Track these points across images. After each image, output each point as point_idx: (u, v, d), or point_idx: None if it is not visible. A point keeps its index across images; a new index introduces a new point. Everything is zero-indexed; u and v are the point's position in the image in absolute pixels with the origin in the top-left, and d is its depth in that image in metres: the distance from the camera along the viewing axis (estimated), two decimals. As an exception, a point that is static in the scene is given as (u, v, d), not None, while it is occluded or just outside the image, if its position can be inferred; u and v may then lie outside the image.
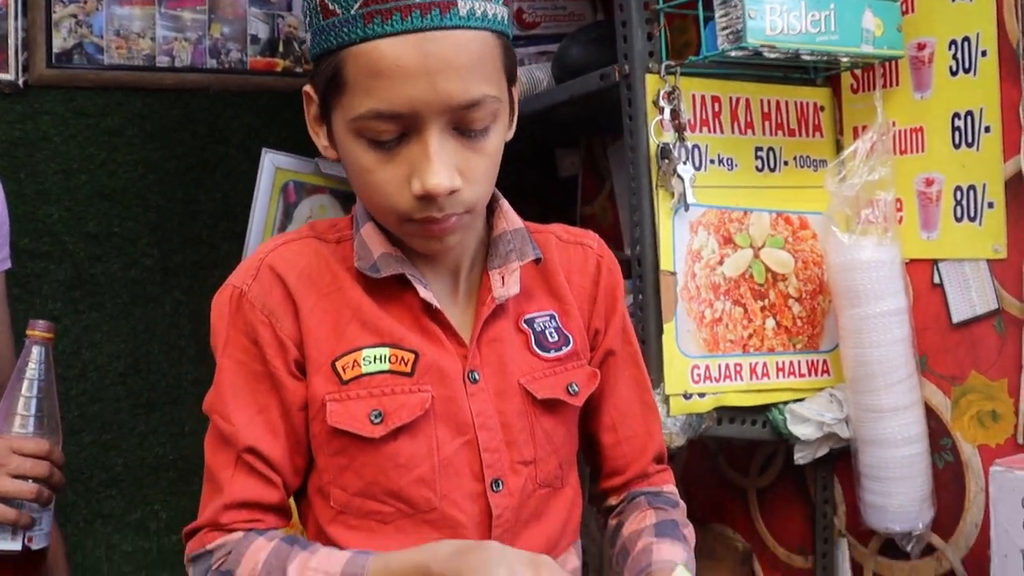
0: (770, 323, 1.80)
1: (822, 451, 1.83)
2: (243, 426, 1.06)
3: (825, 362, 1.86)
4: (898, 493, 1.69)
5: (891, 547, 1.86)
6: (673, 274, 1.68)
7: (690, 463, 2.30)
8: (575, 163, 2.62)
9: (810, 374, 1.84)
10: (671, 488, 1.28)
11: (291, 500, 1.12)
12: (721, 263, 1.74)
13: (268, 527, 1.07)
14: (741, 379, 1.77)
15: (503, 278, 1.13)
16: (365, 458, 1.07)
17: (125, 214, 2.46)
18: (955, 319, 1.72)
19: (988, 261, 1.64)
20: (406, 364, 1.07)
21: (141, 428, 2.51)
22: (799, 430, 1.76)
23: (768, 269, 1.80)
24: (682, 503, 1.26)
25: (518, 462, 1.11)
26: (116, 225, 2.45)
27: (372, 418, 1.05)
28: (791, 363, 1.82)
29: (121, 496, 2.50)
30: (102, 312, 2.44)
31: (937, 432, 1.75)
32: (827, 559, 1.96)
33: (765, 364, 1.79)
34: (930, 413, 1.75)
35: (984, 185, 1.62)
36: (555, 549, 1.14)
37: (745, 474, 2.16)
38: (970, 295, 1.68)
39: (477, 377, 1.11)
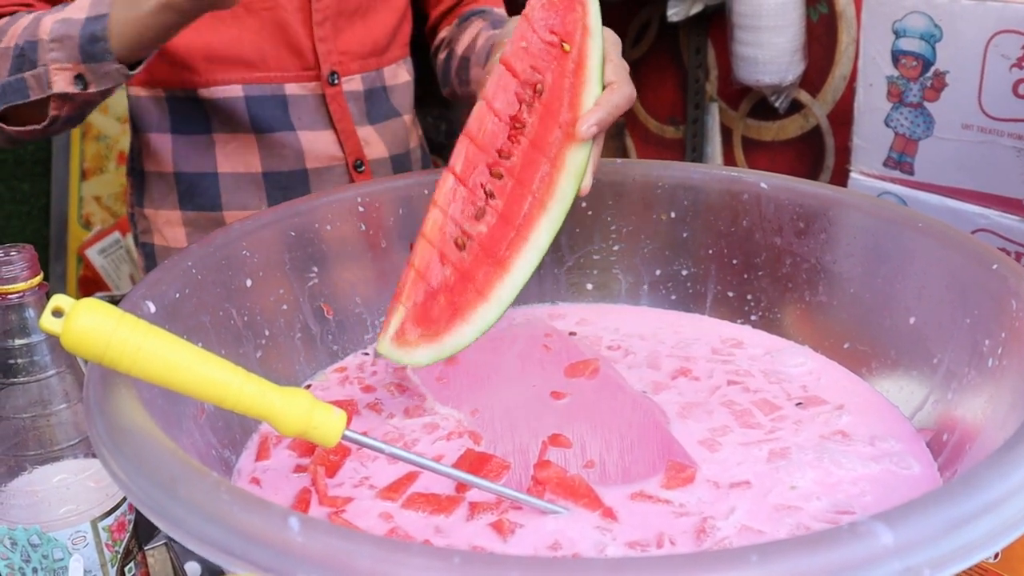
0: None
1: (696, 8, 1.77)
2: None
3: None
4: (770, 44, 1.65)
5: (760, 109, 1.87)
6: None
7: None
8: None
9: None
10: (500, 11, 1.17)
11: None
12: None
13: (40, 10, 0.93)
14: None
15: None
16: None
17: None
18: None
19: None
20: None
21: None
22: (673, -19, 1.68)
23: None
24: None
25: None
26: None
27: None
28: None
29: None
30: None
31: (814, -17, 1.69)
32: (698, 126, 1.96)
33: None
34: (809, -37, 1.68)
35: None
36: (383, 56, 1.09)
37: (619, 47, 2.09)
38: None
39: None
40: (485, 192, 0.72)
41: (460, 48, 1.07)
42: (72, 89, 0.84)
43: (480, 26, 1.07)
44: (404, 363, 0.69)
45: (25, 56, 0.84)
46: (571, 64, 0.73)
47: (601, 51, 0.73)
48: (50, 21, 0.84)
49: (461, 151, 0.72)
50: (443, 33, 1.17)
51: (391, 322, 0.69)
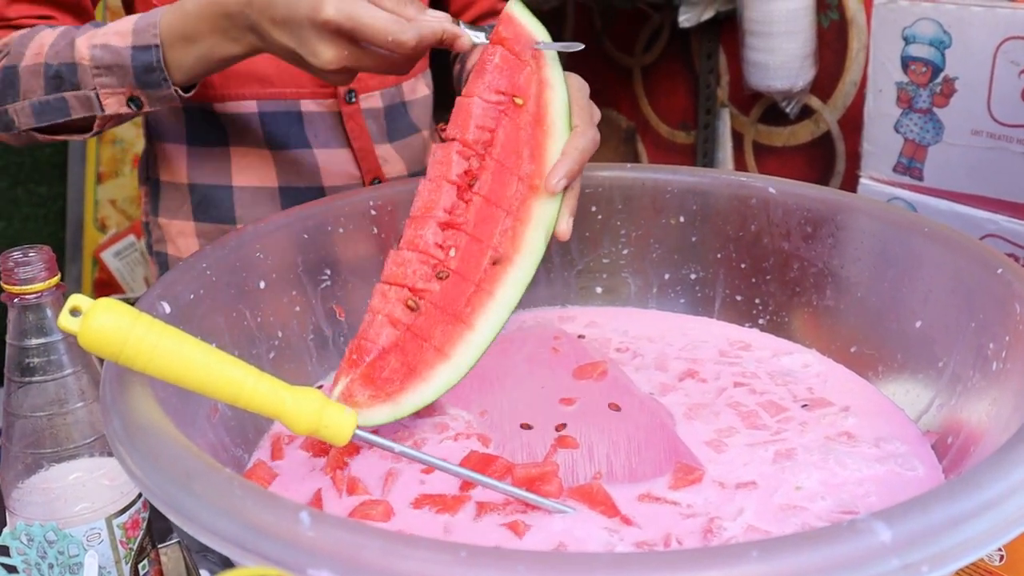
0: None
1: (708, 14, 1.77)
2: None
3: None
4: (781, 49, 1.65)
5: (771, 114, 1.87)
6: None
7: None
8: None
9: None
10: None
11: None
12: None
13: (61, 25, 0.92)
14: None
15: None
16: None
17: None
18: None
19: None
20: None
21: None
22: (685, -14, 1.69)
23: None
24: None
25: None
26: None
27: None
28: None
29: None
30: None
31: (825, -10, 1.70)
32: (709, 131, 1.96)
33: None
34: (820, -29, 1.68)
35: None
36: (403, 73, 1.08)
37: (630, 53, 2.10)
38: None
39: None
40: (442, 248, 0.70)
41: (471, 61, 1.08)
42: (125, 110, 0.84)
43: None
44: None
45: (63, 78, 0.83)
46: (527, 116, 0.72)
47: (565, 100, 0.73)
48: (85, 46, 0.83)
49: (406, 232, 0.71)
50: None
51: (337, 386, 0.66)
